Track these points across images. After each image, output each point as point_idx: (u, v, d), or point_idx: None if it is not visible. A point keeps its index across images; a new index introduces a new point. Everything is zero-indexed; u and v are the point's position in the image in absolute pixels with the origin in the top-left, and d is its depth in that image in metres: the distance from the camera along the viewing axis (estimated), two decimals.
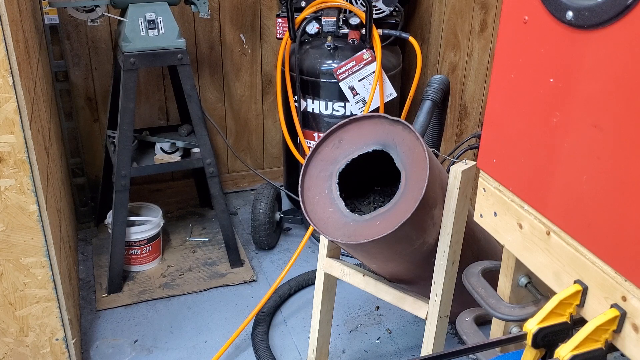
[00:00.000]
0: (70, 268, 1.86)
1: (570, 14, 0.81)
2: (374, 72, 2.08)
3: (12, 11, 1.36)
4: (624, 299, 0.80)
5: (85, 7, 1.92)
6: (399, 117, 1.54)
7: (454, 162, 1.36)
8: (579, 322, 0.87)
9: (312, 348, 1.71)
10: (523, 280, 1.07)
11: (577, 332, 0.82)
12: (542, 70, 0.88)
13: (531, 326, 0.84)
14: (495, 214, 1.03)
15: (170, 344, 1.91)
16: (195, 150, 2.14)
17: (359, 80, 2.10)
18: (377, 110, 2.11)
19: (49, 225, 1.43)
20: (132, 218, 2.18)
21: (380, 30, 2.09)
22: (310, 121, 2.21)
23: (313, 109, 2.18)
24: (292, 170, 2.41)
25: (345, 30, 2.09)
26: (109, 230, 2.11)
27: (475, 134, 1.44)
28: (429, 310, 1.42)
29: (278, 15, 2.19)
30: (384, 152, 1.33)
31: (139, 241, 2.16)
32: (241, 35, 2.56)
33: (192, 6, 2.02)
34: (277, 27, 2.19)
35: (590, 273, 0.84)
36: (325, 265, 1.61)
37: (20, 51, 1.37)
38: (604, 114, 0.78)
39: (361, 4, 2.12)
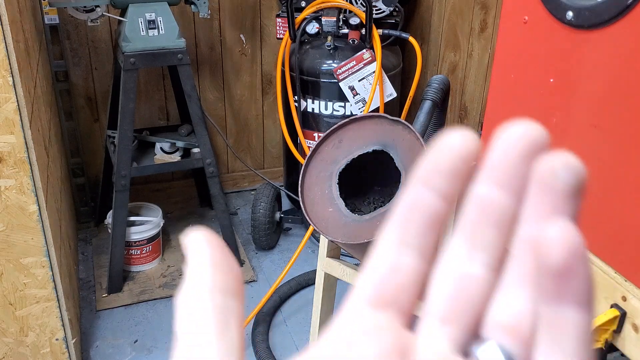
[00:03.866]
0: (70, 268, 1.86)
1: (570, 14, 0.81)
2: (374, 72, 2.08)
3: (12, 11, 1.36)
4: (624, 299, 0.80)
5: (85, 7, 1.92)
6: (399, 117, 1.54)
7: None
8: None
9: None
10: None
11: None
12: (542, 70, 0.88)
13: None
14: None
15: (170, 344, 1.90)
16: (195, 150, 2.14)
17: (359, 80, 2.10)
18: (377, 110, 2.11)
19: (49, 225, 1.43)
20: (132, 218, 2.18)
21: (380, 30, 2.09)
22: (310, 121, 2.21)
23: (313, 109, 2.18)
24: (292, 170, 2.41)
25: (345, 30, 2.09)
26: (109, 230, 2.11)
27: None
28: None
29: (278, 15, 2.19)
30: (384, 152, 1.33)
31: (139, 241, 2.16)
32: (241, 35, 2.56)
33: (192, 6, 2.02)
34: (277, 27, 2.19)
35: None
36: (325, 265, 1.61)
37: (20, 51, 1.37)
38: (604, 114, 0.78)
39: (361, 4, 2.12)
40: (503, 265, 0.23)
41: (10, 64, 1.26)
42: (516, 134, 0.22)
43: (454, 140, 0.23)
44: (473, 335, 0.23)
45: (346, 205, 1.33)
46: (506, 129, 0.23)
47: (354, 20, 2.07)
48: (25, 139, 1.32)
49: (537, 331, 0.22)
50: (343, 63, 2.08)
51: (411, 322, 0.24)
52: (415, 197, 0.23)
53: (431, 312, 0.23)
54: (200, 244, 0.22)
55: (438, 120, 1.67)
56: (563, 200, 0.21)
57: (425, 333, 0.23)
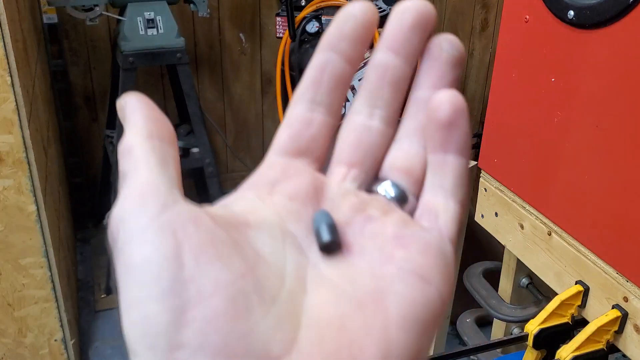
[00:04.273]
0: (68, 268, 1.86)
1: (571, 13, 0.81)
2: None
3: (11, 10, 1.35)
4: (626, 299, 0.79)
5: (84, 6, 1.91)
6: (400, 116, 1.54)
7: None
8: (580, 322, 0.86)
9: None
10: (524, 281, 1.07)
11: (578, 333, 0.81)
12: (543, 69, 0.87)
13: (532, 327, 0.84)
14: (496, 214, 1.03)
15: None
16: (195, 150, 2.13)
17: (359, 80, 2.09)
18: None
19: (47, 225, 1.42)
20: None
21: (381, 29, 2.08)
22: None
23: None
24: None
25: None
26: None
27: (475, 133, 1.44)
28: None
29: (278, 14, 2.18)
30: None
31: None
32: (240, 35, 2.55)
33: (191, 5, 2.01)
34: (277, 26, 2.19)
35: (591, 273, 0.84)
36: None
37: (18, 51, 1.36)
38: (605, 113, 0.78)
39: None
40: (397, 120, 0.28)
41: (8, 64, 1.25)
42: (406, 9, 0.26)
43: (356, 10, 0.27)
44: (374, 177, 0.28)
45: None
46: (398, 5, 0.27)
47: None
48: (23, 138, 1.32)
49: (426, 174, 0.27)
50: None
51: (323, 168, 0.28)
52: (323, 61, 0.27)
53: (339, 158, 0.27)
54: (135, 103, 0.25)
55: None
56: (447, 68, 0.27)
57: (335, 175, 0.27)
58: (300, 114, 0.27)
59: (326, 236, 0.24)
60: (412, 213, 0.26)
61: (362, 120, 0.27)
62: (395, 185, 0.27)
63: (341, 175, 0.27)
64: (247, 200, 0.26)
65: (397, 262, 0.23)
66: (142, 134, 0.24)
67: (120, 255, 0.22)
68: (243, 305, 0.20)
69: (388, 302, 0.22)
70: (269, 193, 0.26)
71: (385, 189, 0.26)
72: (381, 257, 0.23)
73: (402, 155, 0.27)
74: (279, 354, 0.20)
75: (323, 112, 0.27)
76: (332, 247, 0.24)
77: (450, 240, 0.26)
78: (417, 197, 0.27)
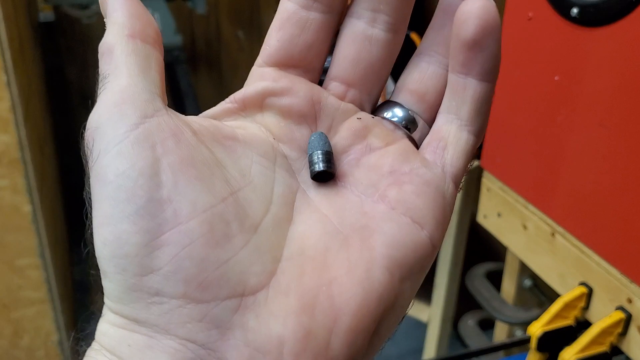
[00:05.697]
0: (65, 269, 1.85)
1: (575, 10, 0.80)
2: None
3: (7, 8, 1.34)
4: (630, 301, 0.79)
5: (81, 3, 1.90)
6: None
7: None
8: (584, 324, 0.86)
9: None
10: (527, 283, 1.06)
11: (582, 335, 0.81)
12: (546, 68, 0.86)
13: (536, 329, 0.83)
14: (499, 214, 1.01)
15: None
16: None
17: None
18: None
19: (43, 225, 1.41)
20: None
21: None
22: None
23: None
24: None
25: None
26: None
27: None
28: (431, 313, 1.40)
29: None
30: None
31: None
32: (239, 32, 2.54)
33: (189, 2, 2.00)
34: None
35: (595, 275, 0.83)
36: None
37: (14, 49, 1.35)
38: (610, 112, 0.77)
39: None
40: (405, 24, 0.24)
41: (4, 62, 1.24)
42: None
43: None
44: (377, 95, 0.25)
45: None
46: None
47: None
48: (19, 138, 1.30)
49: (443, 97, 0.23)
50: None
51: (318, 79, 0.25)
52: None
53: (335, 74, 0.24)
54: None
55: None
56: None
57: (332, 91, 0.24)
58: (293, 12, 0.23)
59: (321, 165, 0.22)
60: (420, 140, 0.24)
61: (362, 28, 0.24)
62: (404, 109, 0.24)
63: (338, 94, 0.24)
64: (235, 116, 0.24)
65: (390, 201, 0.22)
66: (123, 33, 0.22)
67: (95, 166, 0.20)
68: (221, 231, 0.19)
69: (375, 241, 0.21)
70: (259, 108, 0.23)
71: (394, 111, 0.24)
72: (373, 194, 0.22)
73: (417, 75, 0.24)
74: (255, 286, 0.19)
75: (321, 9, 0.23)
76: (325, 177, 0.22)
77: (454, 178, 0.24)
78: (430, 123, 0.24)
